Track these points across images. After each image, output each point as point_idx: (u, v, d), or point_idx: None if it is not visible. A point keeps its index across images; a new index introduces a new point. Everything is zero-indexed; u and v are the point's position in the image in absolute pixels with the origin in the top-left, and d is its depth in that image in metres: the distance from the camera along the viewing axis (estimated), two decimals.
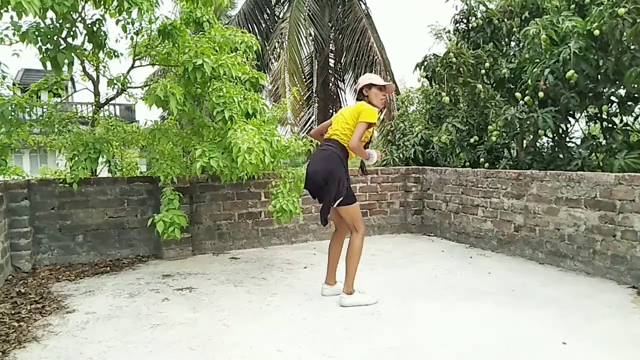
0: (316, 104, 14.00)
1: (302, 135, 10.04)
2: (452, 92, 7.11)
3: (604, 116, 5.62)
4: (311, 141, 5.21)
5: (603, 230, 4.25)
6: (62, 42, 4.39)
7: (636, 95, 5.35)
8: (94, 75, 5.55)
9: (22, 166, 6.18)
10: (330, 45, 13.74)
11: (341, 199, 3.59)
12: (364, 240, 3.78)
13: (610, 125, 5.72)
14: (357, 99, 3.82)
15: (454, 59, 6.66)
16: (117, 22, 4.82)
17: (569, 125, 6.08)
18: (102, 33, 4.81)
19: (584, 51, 5.16)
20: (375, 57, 12.58)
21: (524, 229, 5.06)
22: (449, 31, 7.72)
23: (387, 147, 8.07)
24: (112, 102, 6.03)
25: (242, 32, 5.36)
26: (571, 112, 5.90)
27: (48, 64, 4.29)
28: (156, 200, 5.13)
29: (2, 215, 4.37)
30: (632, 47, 4.85)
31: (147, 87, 5.61)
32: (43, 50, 4.25)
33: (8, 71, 5.09)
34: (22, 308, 3.59)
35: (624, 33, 4.75)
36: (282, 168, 5.13)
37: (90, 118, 5.75)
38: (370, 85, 3.76)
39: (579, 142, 6.15)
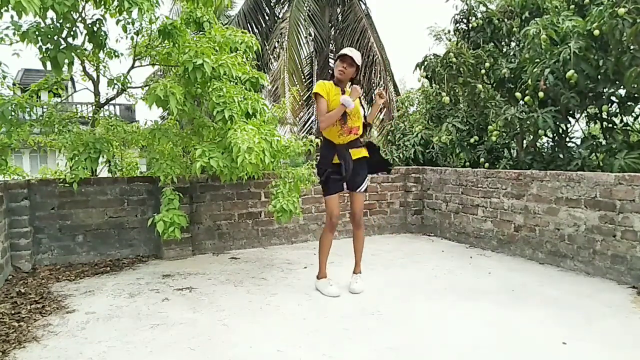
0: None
1: (302, 135, 10.04)
2: (452, 92, 7.11)
3: (604, 116, 5.63)
4: (311, 141, 5.21)
5: (603, 230, 4.25)
6: (62, 42, 4.38)
7: (636, 95, 5.35)
8: (94, 75, 5.55)
9: (22, 166, 6.18)
10: (330, 45, 13.73)
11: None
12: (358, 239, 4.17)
13: (610, 125, 5.72)
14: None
15: (454, 59, 6.67)
16: (118, 22, 4.82)
17: (569, 125, 6.08)
18: (102, 33, 4.81)
19: (584, 51, 5.16)
20: (375, 57, 12.58)
21: (524, 229, 5.06)
22: (449, 31, 7.73)
23: (387, 147, 8.08)
24: (112, 102, 6.03)
25: (242, 32, 5.36)
26: (571, 112, 5.90)
27: (48, 63, 4.29)
28: (156, 200, 5.13)
29: (2, 215, 4.37)
30: (632, 47, 4.86)
31: (147, 87, 5.61)
32: (43, 50, 4.24)
33: (8, 71, 5.09)
34: (22, 308, 3.59)
35: (624, 33, 4.75)
36: (282, 168, 5.13)
37: (90, 118, 5.75)
38: (335, 60, 3.86)
39: (579, 142, 6.15)
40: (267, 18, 13.81)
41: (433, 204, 6.45)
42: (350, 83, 3.86)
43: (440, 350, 2.83)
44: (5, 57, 5.08)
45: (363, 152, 3.92)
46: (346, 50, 3.75)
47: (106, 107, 6.63)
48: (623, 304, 3.56)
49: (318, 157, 3.99)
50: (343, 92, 3.79)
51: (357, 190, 3.96)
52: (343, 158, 3.79)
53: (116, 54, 5.22)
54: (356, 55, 3.74)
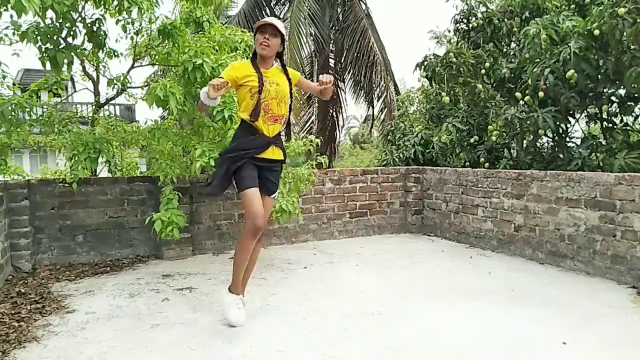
0: (316, 104, 14.00)
1: (302, 135, 10.04)
2: (452, 92, 7.11)
3: (604, 116, 5.63)
4: (311, 141, 5.20)
5: (603, 230, 4.25)
6: (61, 41, 4.39)
7: (636, 95, 5.36)
8: (94, 75, 5.55)
9: (22, 166, 6.19)
10: (331, 45, 13.73)
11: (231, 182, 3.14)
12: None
13: (610, 125, 5.72)
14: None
15: (454, 59, 6.67)
16: (117, 22, 4.82)
17: (569, 125, 6.08)
18: (102, 33, 4.81)
19: (584, 51, 5.16)
20: (376, 57, 12.58)
21: (524, 229, 5.06)
22: (449, 31, 7.73)
23: (387, 147, 8.08)
24: (112, 102, 6.03)
25: (242, 32, 5.36)
26: (571, 112, 5.90)
27: (48, 63, 4.30)
28: (156, 200, 5.13)
29: (2, 215, 4.37)
30: (632, 47, 4.85)
31: (147, 87, 5.61)
32: (43, 49, 4.25)
33: (8, 71, 5.10)
34: (22, 308, 3.59)
35: (624, 33, 4.75)
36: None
37: (90, 118, 5.75)
38: (255, 33, 3.17)
39: (579, 142, 6.15)
40: None
41: (433, 204, 6.45)
42: (277, 59, 3.26)
43: (440, 350, 2.83)
44: (5, 57, 5.08)
45: (281, 155, 3.30)
46: (265, 19, 3.15)
47: (106, 107, 6.63)
48: (623, 304, 3.56)
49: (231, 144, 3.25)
50: (267, 69, 3.18)
51: (272, 196, 3.30)
52: (263, 148, 3.16)
53: (116, 53, 5.22)
54: (279, 23, 3.11)
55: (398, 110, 9.23)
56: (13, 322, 3.29)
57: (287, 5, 13.57)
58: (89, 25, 4.72)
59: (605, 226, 4.23)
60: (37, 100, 5.18)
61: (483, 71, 6.65)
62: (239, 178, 3.11)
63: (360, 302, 3.69)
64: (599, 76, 5.30)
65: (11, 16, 4.07)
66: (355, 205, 6.36)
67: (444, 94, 6.98)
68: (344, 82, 14.21)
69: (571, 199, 4.54)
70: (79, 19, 4.63)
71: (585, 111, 5.90)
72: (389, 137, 8.23)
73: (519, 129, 6.07)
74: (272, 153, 3.22)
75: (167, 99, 4.29)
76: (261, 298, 3.83)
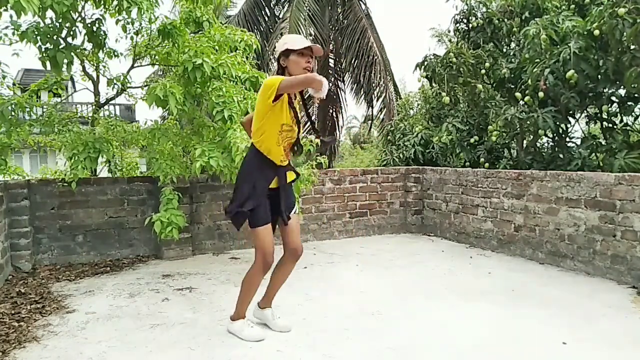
0: (316, 104, 13.98)
1: (302, 135, 10.04)
2: (452, 92, 7.11)
3: (604, 116, 5.63)
4: (310, 141, 5.20)
5: (603, 230, 4.25)
6: (61, 41, 4.39)
7: (636, 95, 5.35)
8: (94, 75, 5.55)
9: (22, 166, 6.19)
10: (330, 45, 13.72)
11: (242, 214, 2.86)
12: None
13: (610, 125, 5.72)
14: (277, 73, 2.98)
15: (454, 59, 6.66)
16: (117, 22, 4.83)
17: (569, 125, 6.08)
18: (102, 33, 4.82)
19: (584, 51, 5.16)
20: (375, 58, 12.57)
21: (524, 229, 5.06)
22: (449, 31, 7.73)
23: (387, 147, 8.08)
24: (112, 102, 6.03)
25: (242, 31, 5.36)
26: (571, 112, 5.90)
27: (47, 63, 4.30)
28: (156, 200, 5.12)
29: (2, 215, 4.37)
30: (632, 47, 4.86)
31: (147, 87, 5.61)
32: (42, 49, 4.25)
33: (8, 71, 5.10)
34: (22, 308, 3.59)
35: (624, 33, 4.75)
36: None
37: (90, 118, 5.75)
38: (287, 52, 2.85)
39: (579, 142, 6.15)
40: (267, 18, 13.80)
41: (433, 204, 6.45)
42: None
43: (440, 350, 2.83)
44: (5, 57, 5.09)
45: (293, 175, 3.16)
46: (306, 41, 2.87)
47: (106, 107, 6.63)
48: (623, 304, 3.56)
49: (243, 174, 2.95)
50: (290, 100, 2.96)
51: (293, 212, 3.14)
52: (282, 184, 2.99)
53: (116, 53, 5.23)
54: (317, 50, 2.89)
55: (398, 114, 9.23)
56: (13, 322, 3.29)
57: (287, 5, 13.56)
58: (89, 25, 4.72)
59: (605, 226, 4.23)
60: (37, 100, 5.18)
61: (483, 71, 6.65)
62: (256, 212, 2.87)
63: (360, 302, 3.69)
64: (599, 76, 5.29)
65: (11, 16, 4.07)
66: (355, 205, 6.36)
67: (444, 94, 6.97)
68: (344, 82, 14.21)
69: (571, 199, 4.53)
70: (79, 19, 4.63)
71: (585, 111, 5.90)
72: (389, 137, 8.23)
73: (519, 129, 6.07)
74: (288, 177, 3.06)
75: (167, 99, 4.29)
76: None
